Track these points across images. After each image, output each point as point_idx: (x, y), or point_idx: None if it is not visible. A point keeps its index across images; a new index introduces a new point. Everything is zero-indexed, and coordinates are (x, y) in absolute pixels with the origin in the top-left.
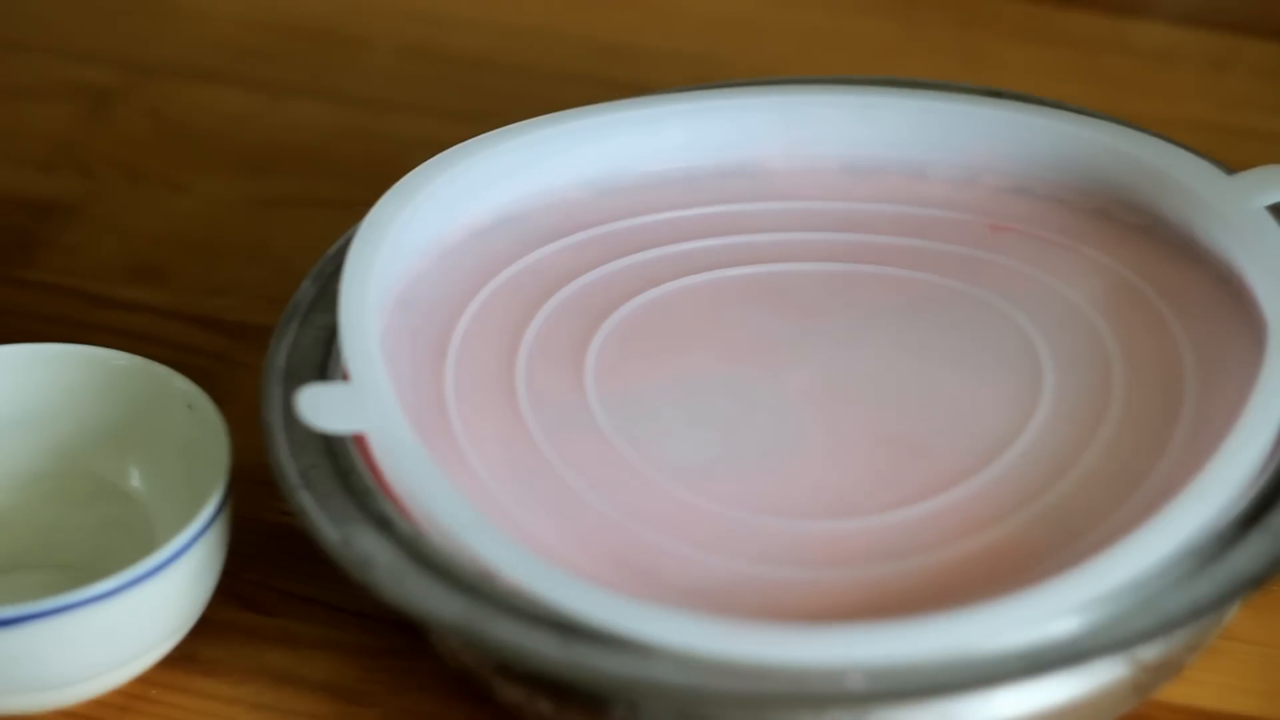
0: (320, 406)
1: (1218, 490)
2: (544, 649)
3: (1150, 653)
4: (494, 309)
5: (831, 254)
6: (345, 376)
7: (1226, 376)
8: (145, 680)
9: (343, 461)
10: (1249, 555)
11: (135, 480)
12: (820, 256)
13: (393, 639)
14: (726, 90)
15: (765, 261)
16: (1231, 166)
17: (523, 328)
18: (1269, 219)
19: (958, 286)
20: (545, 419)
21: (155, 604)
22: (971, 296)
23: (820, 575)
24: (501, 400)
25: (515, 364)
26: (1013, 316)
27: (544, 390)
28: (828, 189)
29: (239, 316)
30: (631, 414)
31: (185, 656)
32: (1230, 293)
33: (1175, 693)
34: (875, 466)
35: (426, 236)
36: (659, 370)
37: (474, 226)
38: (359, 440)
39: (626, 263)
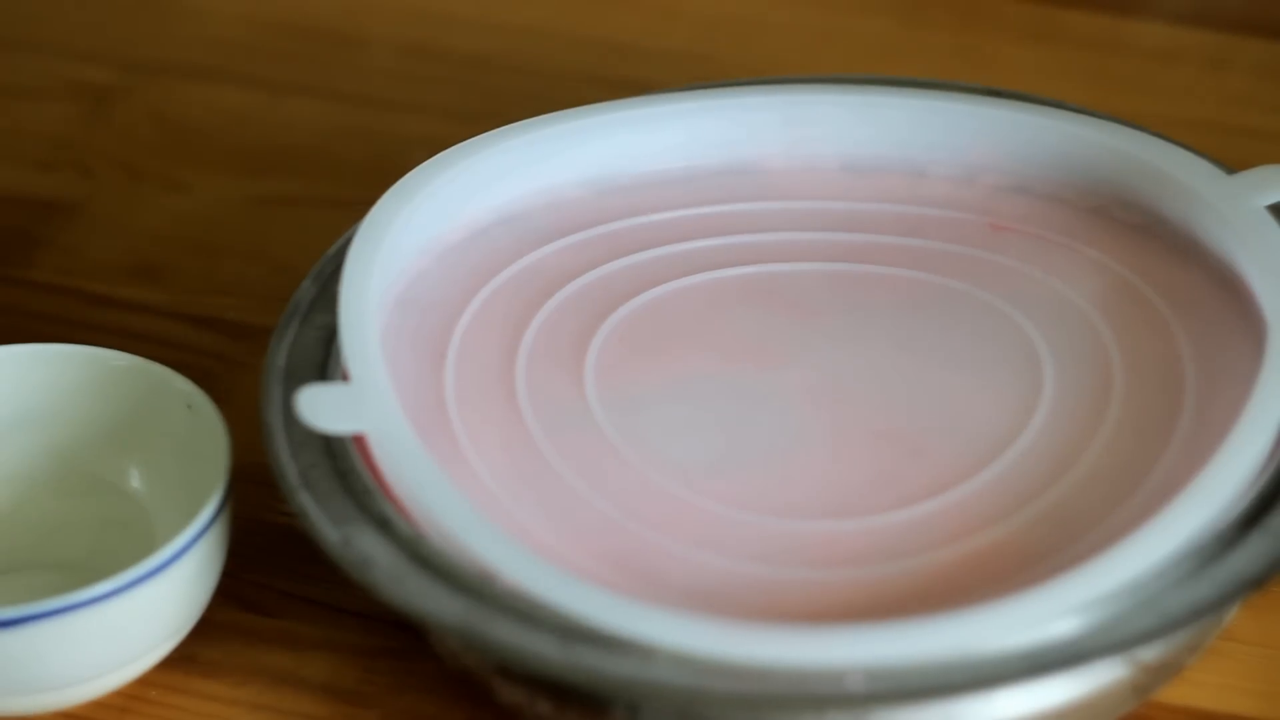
0: (320, 407)
1: (1218, 490)
2: (544, 650)
3: (1150, 653)
4: (494, 309)
5: (831, 253)
6: (345, 376)
7: (1226, 376)
8: (145, 681)
9: (342, 462)
10: (1249, 556)
11: (135, 480)
12: (820, 256)
13: (393, 640)
14: (726, 90)
15: (765, 261)
16: (1231, 166)
17: (523, 327)
18: (1269, 218)
19: (957, 286)
20: (545, 419)
21: (155, 605)
22: (971, 296)
23: (821, 575)
24: (501, 400)
25: (515, 364)
26: (1013, 316)
27: (544, 390)
28: (827, 188)
29: (239, 316)
30: (631, 414)
31: (185, 657)
32: (1230, 293)
33: (1175, 694)
34: (875, 466)
35: (426, 236)
36: (659, 370)
37: (474, 226)
38: (359, 440)
39: (626, 263)
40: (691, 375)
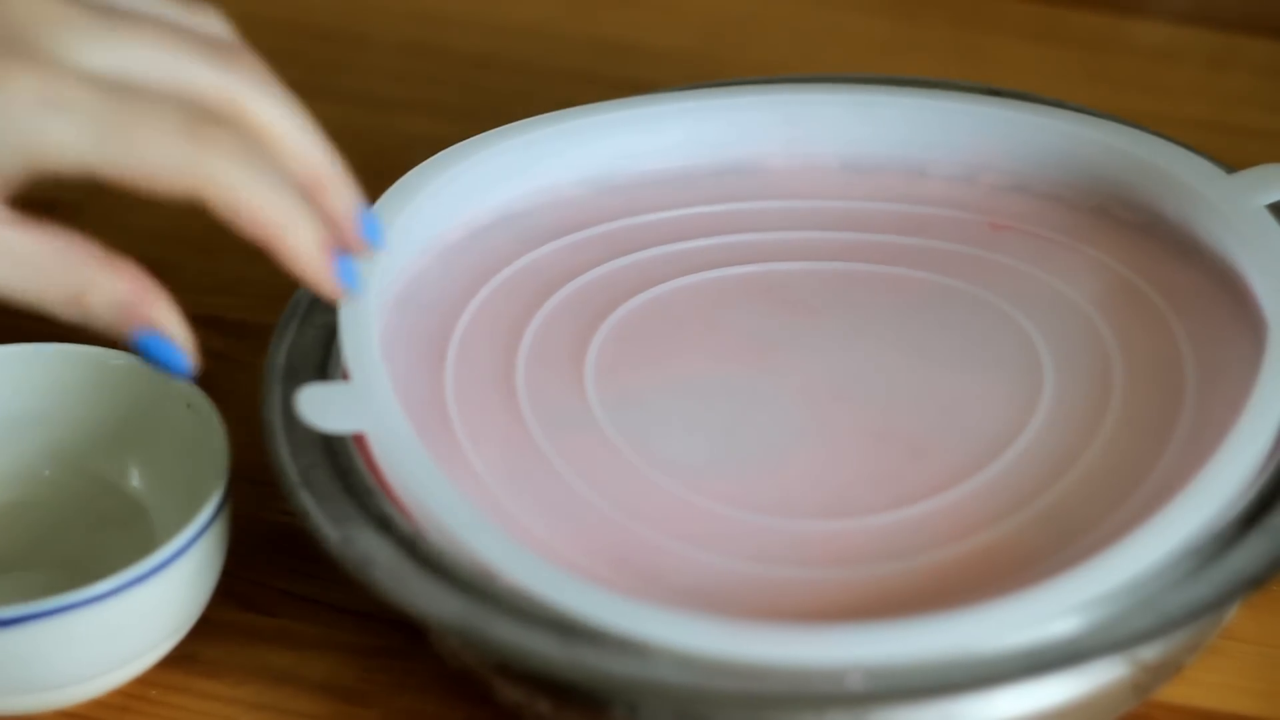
0: (320, 406)
1: (1217, 490)
2: (544, 649)
3: (1150, 653)
4: (494, 308)
5: (831, 253)
6: (345, 376)
7: (1226, 376)
8: (145, 680)
9: (343, 461)
10: (1249, 555)
11: (134, 480)
12: (819, 255)
13: (392, 639)
14: (726, 89)
15: (764, 260)
16: (1231, 165)
17: (522, 327)
18: (1269, 218)
19: (957, 285)
20: (545, 418)
21: (155, 604)
22: (971, 295)
23: (820, 575)
24: (501, 399)
25: (515, 363)
26: (1012, 315)
27: (544, 389)
28: (827, 188)
29: (239, 315)
30: (631, 413)
31: (185, 656)
32: (1230, 292)
33: (1175, 693)
34: (875, 466)
35: (426, 235)
36: (658, 370)
37: (474, 225)
38: (359, 440)
39: (626, 262)
40: (691, 375)
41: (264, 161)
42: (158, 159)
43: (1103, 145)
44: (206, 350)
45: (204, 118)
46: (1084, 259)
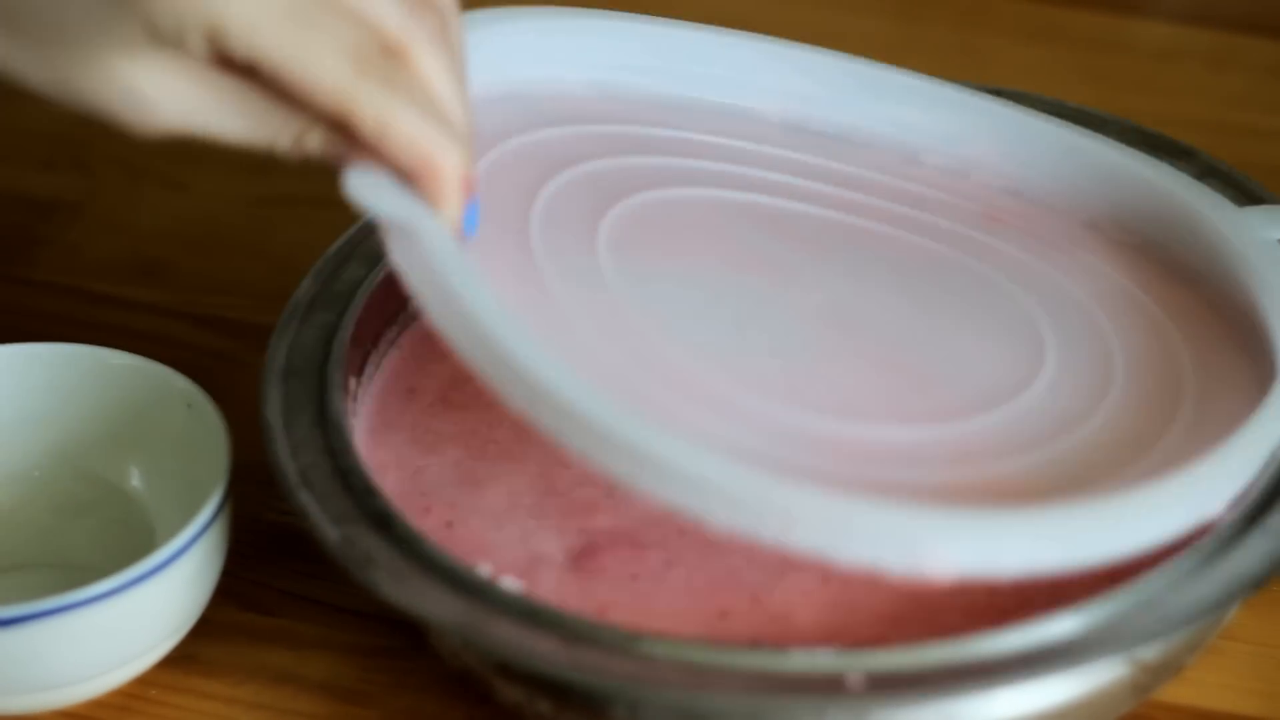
0: (371, 189)
1: (1217, 490)
2: (544, 650)
3: (1150, 653)
4: (503, 173)
5: (836, 204)
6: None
7: (1226, 381)
8: (145, 680)
9: (342, 461)
10: (1249, 555)
11: (135, 479)
12: (824, 204)
13: (392, 639)
14: (739, 37)
15: (769, 194)
16: (1230, 164)
17: (531, 200)
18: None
19: (958, 258)
20: (557, 269)
21: (155, 604)
22: (971, 269)
23: (827, 468)
24: (513, 244)
25: (528, 219)
26: (1012, 294)
27: (557, 249)
28: (825, 150)
29: (239, 315)
30: (640, 288)
31: (185, 656)
32: (1227, 306)
33: (1175, 693)
34: (883, 388)
35: None
36: (668, 259)
37: (480, 95)
38: (357, 438)
39: (632, 161)
40: (699, 271)
41: (419, 97)
42: (321, 70)
43: (1110, 165)
44: (207, 350)
45: (375, 50)
46: (1082, 262)
